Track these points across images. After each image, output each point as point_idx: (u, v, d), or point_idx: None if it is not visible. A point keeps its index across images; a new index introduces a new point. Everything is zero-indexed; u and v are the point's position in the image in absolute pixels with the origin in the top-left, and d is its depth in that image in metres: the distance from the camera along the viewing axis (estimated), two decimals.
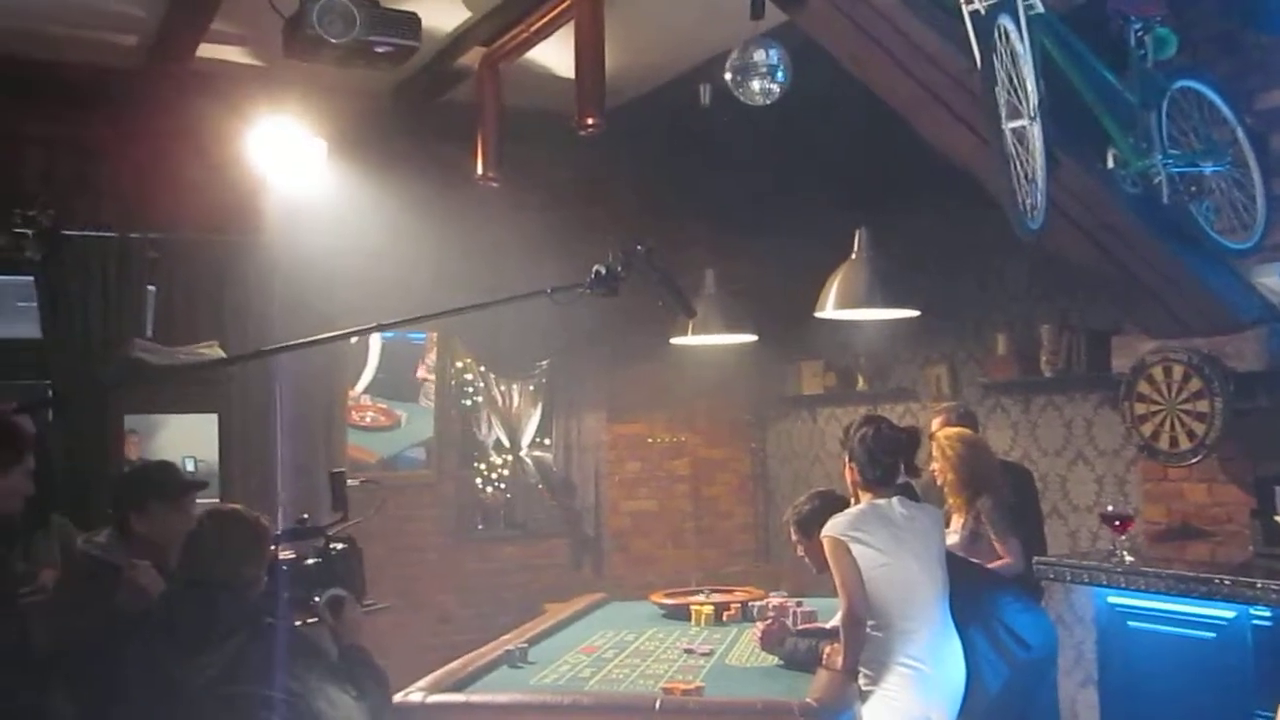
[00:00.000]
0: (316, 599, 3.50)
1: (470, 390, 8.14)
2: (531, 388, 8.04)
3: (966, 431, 5.13)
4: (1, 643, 3.39)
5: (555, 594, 7.34)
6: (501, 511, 8.16)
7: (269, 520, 3.53)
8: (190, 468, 6.80)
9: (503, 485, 8.17)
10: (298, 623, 3.47)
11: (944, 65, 4.38)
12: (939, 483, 4.95)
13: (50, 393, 6.52)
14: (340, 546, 3.67)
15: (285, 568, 3.53)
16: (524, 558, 8.00)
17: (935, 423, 5.49)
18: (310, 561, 3.60)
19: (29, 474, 3.59)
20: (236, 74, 6.75)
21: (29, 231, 6.31)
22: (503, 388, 8.00)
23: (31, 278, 6.55)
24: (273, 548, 3.51)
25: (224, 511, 3.55)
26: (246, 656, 3.18)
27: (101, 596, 3.60)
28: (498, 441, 8.13)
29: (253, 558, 3.37)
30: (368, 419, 7.94)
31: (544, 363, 7.91)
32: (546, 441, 8.20)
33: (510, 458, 8.12)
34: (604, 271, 3.53)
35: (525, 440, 8.06)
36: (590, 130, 5.38)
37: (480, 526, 8.07)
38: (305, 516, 3.93)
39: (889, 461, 4.21)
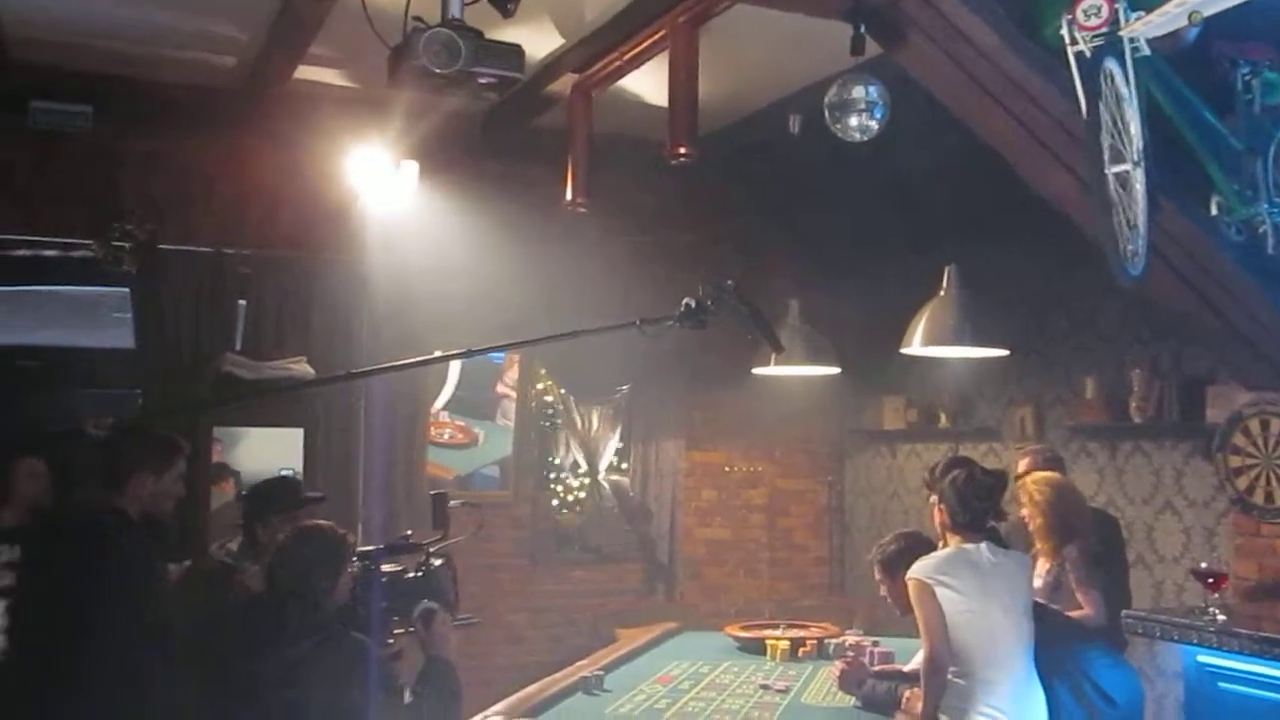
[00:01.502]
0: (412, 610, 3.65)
1: (550, 412, 8.17)
2: (611, 412, 8.04)
3: (1059, 476, 5.03)
4: (150, 624, 3.77)
5: (627, 619, 7.34)
6: (576, 534, 8.17)
7: (352, 536, 3.67)
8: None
9: (578, 508, 8.18)
10: (397, 631, 3.65)
11: (1045, 105, 4.34)
12: (1029, 528, 4.87)
13: (140, 402, 6.66)
14: (437, 563, 3.80)
15: (385, 579, 3.68)
16: (597, 581, 7.99)
17: (1022, 464, 5.40)
18: (409, 575, 3.74)
19: (181, 479, 4.04)
20: (331, 96, 6.86)
21: (126, 245, 6.48)
22: (582, 410, 8.01)
23: (127, 290, 6.72)
24: (353, 561, 3.63)
25: (308, 526, 3.68)
26: (309, 662, 3.32)
27: (216, 593, 4.01)
28: (575, 464, 8.15)
29: (328, 570, 3.49)
30: (446, 436, 7.99)
31: (624, 387, 7.92)
32: (624, 466, 8.20)
33: (587, 481, 8.13)
34: (693, 305, 3.54)
35: (603, 464, 8.07)
36: (682, 159, 5.38)
37: (554, 548, 8.07)
38: (409, 533, 4.09)
39: (979, 506, 4.15)
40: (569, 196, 6.34)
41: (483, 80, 3.73)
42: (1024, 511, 4.75)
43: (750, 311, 3.62)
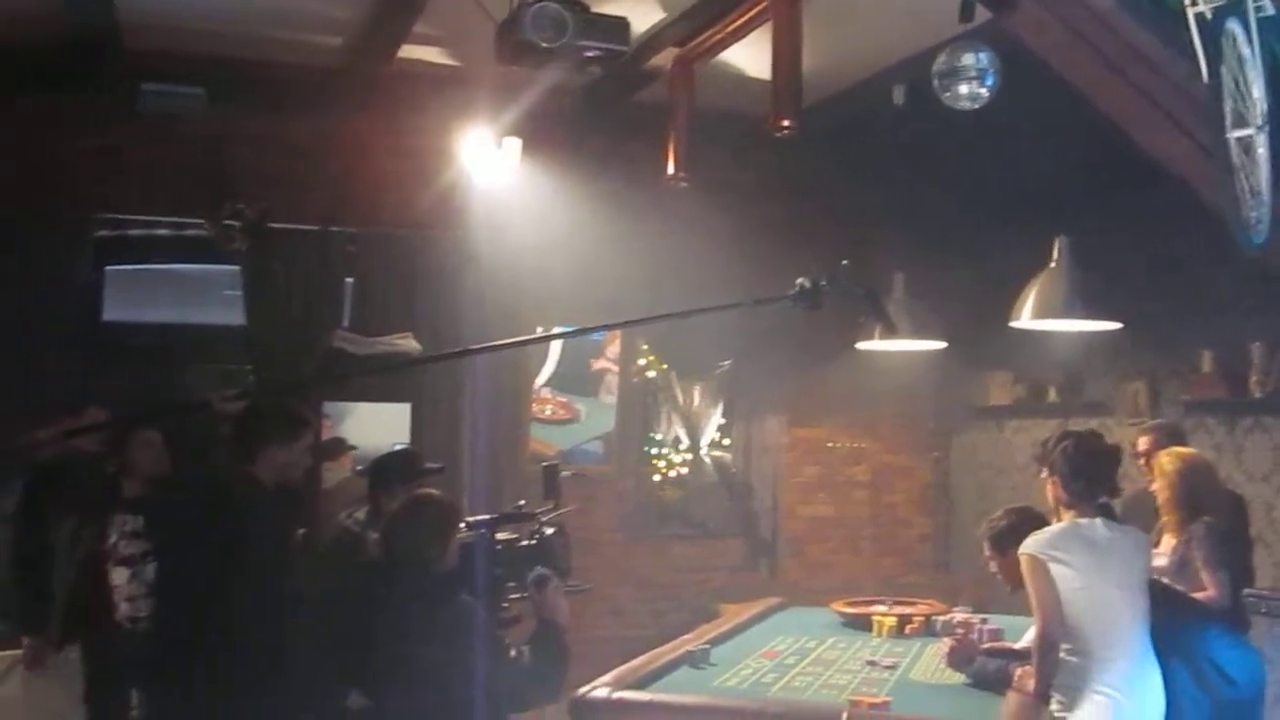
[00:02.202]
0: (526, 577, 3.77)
1: (652, 387, 8.18)
2: (713, 387, 8.03)
3: (1194, 451, 4.90)
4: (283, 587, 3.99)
5: (728, 595, 7.33)
6: (678, 510, 8.18)
7: (461, 505, 3.92)
8: None
9: (680, 484, 8.19)
10: (513, 597, 3.79)
11: (1163, 70, 4.21)
12: (1158, 500, 4.73)
13: (251, 377, 6.81)
14: (549, 531, 3.91)
15: (499, 547, 3.82)
16: (699, 557, 8.00)
17: (1143, 440, 5.27)
18: (523, 543, 3.86)
19: (309, 450, 4.25)
20: (435, 74, 6.91)
21: (237, 224, 6.62)
22: (684, 386, 8.02)
23: (238, 267, 6.87)
24: (463, 529, 3.77)
25: (420, 495, 3.87)
26: (419, 623, 3.49)
27: (338, 559, 4.41)
28: (677, 439, 8.15)
29: (438, 537, 3.65)
30: (548, 412, 8.04)
31: (725, 363, 7.90)
32: (726, 442, 8.19)
33: (689, 456, 8.13)
34: (808, 285, 3.53)
35: (705, 439, 8.07)
36: (785, 132, 5.34)
37: (656, 524, 8.09)
38: (523, 503, 4.24)
39: (1093, 474, 4.04)
40: (670, 171, 6.33)
41: (589, 54, 3.76)
42: (1154, 485, 4.61)
43: (864, 294, 3.60)
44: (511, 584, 3.78)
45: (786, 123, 5.32)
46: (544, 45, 3.62)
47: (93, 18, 5.92)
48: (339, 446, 6.00)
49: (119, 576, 4.86)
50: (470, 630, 3.47)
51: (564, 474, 4.22)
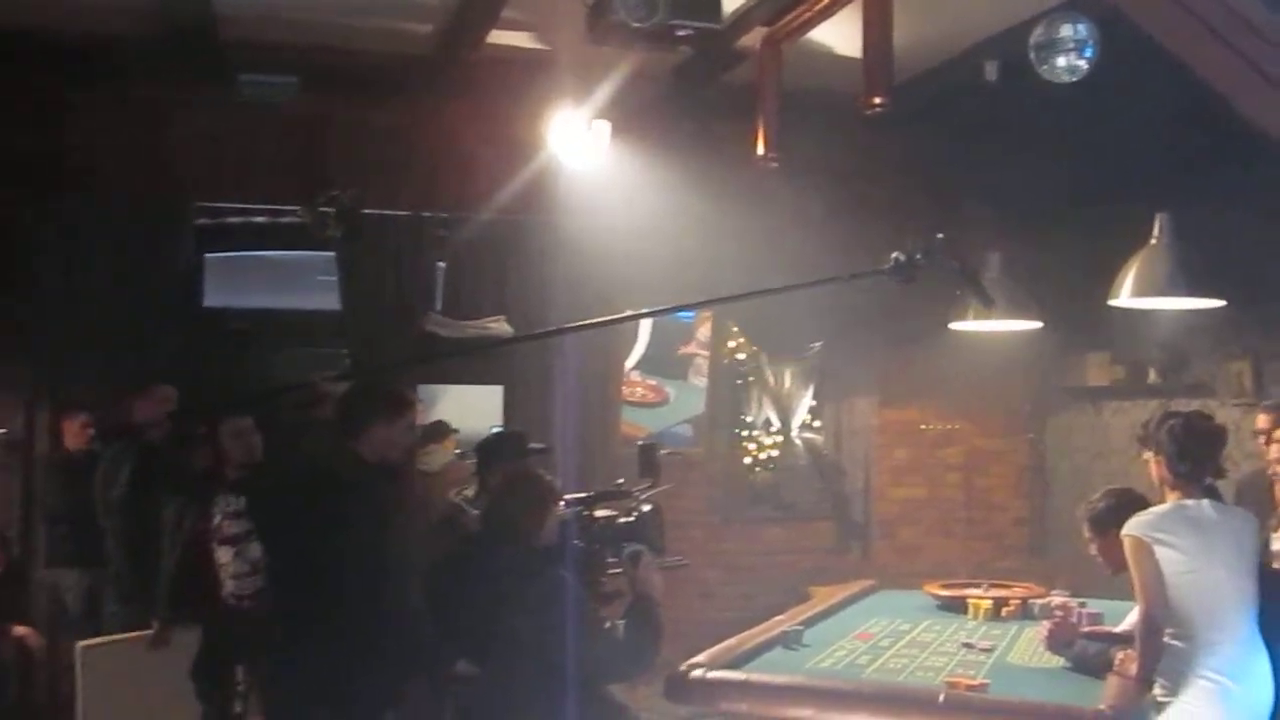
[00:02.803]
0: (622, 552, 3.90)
1: (742, 369, 8.15)
2: (803, 369, 7.99)
3: None
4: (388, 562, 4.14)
5: (819, 577, 7.29)
6: (768, 492, 8.15)
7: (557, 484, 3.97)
8: None
9: (771, 466, 8.16)
10: (612, 572, 3.91)
11: (1269, 36, 4.08)
12: (1275, 482, 4.60)
13: (347, 361, 6.92)
14: (647, 509, 4.01)
15: (598, 524, 3.96)
16: (789, 539, 7.98)
17: (1263, 418, 5.13)
18: (621, 520, 3.99)
19: (410, 429, 4.40)
20: (524, 59, 6.93)
21: (331, 210, 6.72)
22: (775, 368, 7.98)
23: (333, 253, 6.98)
24: (561, 507, 3.89)
25: (519, 473, 4.10)
26: (515, 595, 3.63)
27: (442, 534, 4.68)
28: (767, 421, 8.12)
29: (535, 513, 3.80)
30: (637, 395, 8.06)
31: (816, 344, 7.85)
32: (817, 424, 8.14)
33: (780, 438, 8.10)
34: (902, 259, 3.49)
35: (796, 421, 8.04)
36: (877, 110, 5.27)
37: (747, 506, 8.08)
38: (620, 481, 4.34)
39: (1200, 454, 3.94)
40: (759, 151, 6.28)
41: (680, 33, 3.74)
42: (1275, 468, 4.48)
43: (960, 267, 3.56)
44: (611, 560, 3.87)
45: (878, 100, 5.26)
46: (635, 25, 3.62)
47: (190, 8, 6.04)
48: (442, 429, 6.09)
49: (224, 555, 4.98)
50: (564, 603, 3.57)
51: (662, 452, 4.24)
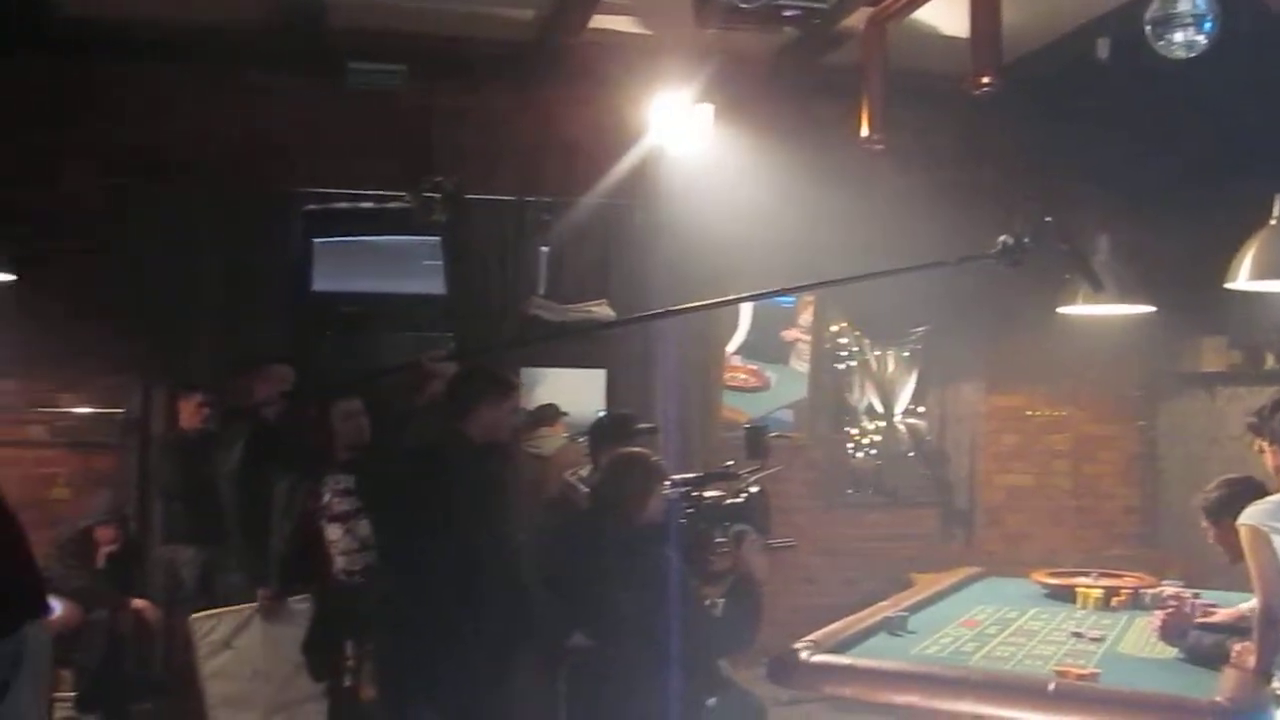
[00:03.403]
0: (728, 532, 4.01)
1: (844, 354, 8.08)
2: (907, 353, 7.90)
3: None
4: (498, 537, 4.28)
5: (923, 564, 7.21)
6: (871, 478, 8.08)
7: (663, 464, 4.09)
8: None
9: (874, 451, 8.09)
10: (719, 551, 4.01)
11: None
12: None
13: (452, 345, 7.00)
14: (754, 490, 4.12)
15: (706, 504, 4.06)
16: (892, 525, 7.90)
17: None
18: (728, 501, 4.08)
19: (515, 410, 4.59)
20: (626, 43, 6.96)
21: (437, 196, 6.81)
22: (878, 352, 7.91)
23: (438, 239, 7.07)
24: (668, 487, 4.01)
25: (626, 453, 4.17)
26: (618, 570, 3.79)
27: (559, 510, 4.83)
28: (870, 407, 8.05)
29: (640, 492, 3.93)
30: (738, 379, 8.03)
31: (921, 329, 7.76)
32: (920, 409, 8.04)
33: (883, 424, 8.02)
34: (1010, 242, 3.45)
35: (899, 407, 7.95)
36: (985, 90, 5.18)
37: (850, 492, 8.02)
38: (730, 463, 4.47)
39: None
40: (864, 134, 6.21)
41: (786, 14, 3.71)
42: None
43: (1070, 250, 3.51)
44: (718, 540, 3.96)
45: (986, 80, 5.17)
46: (742, 5, 3.60)
47: None
48: (552, 413, 6.16)
49: (333, 532, 5.09)
50: (666, 579, 3.69)
51: (771, 435, 4.28)
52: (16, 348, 6.74)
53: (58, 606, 4.29)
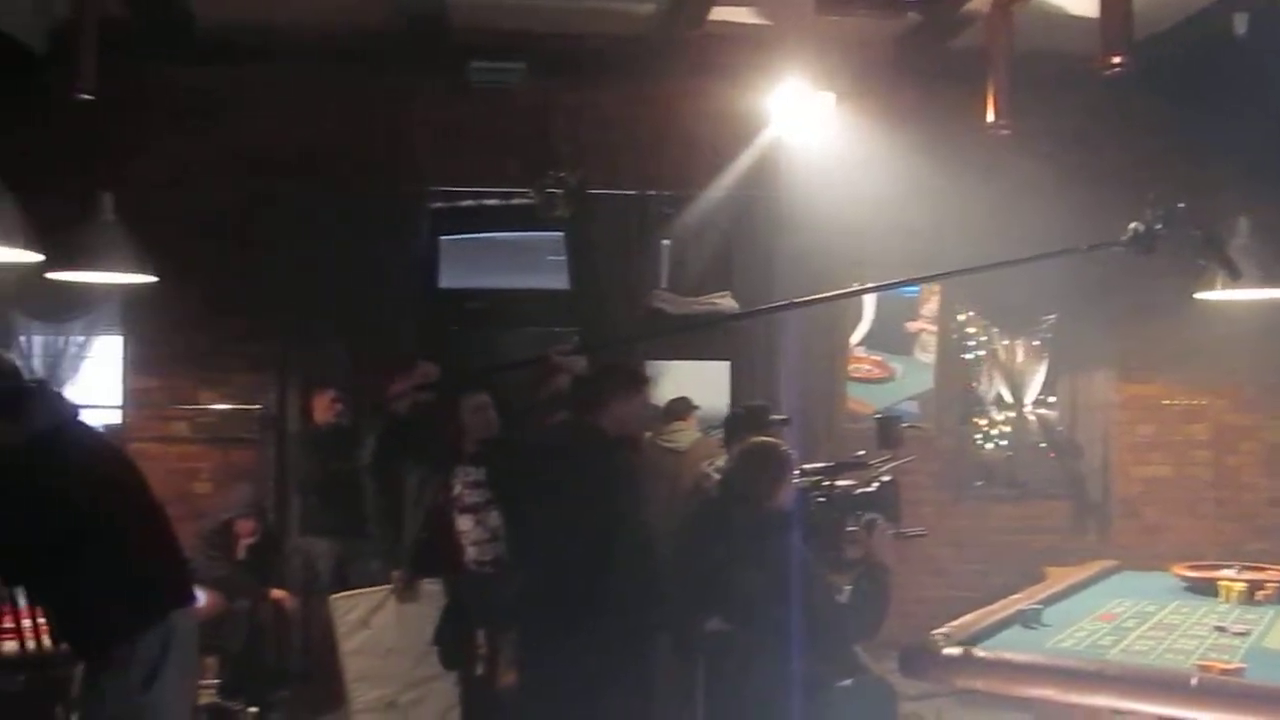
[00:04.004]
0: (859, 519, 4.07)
1: (972, 344, 7.95)
2: (1037, 342, 7.74)
3: None
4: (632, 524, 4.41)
5: (1054, 557, 7.05)
6: (1001, 469, 7.93)
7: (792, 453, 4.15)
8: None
9: (1004, 442, 7.94)
10: (852, 540, 4.06)
11: None
12: None
13: (577, 339, 7.07)
14: (886, 480, 4.19)
15: (837, 493, 4.14)
16: (1023, 518, 7.74)
17: None
18: (859, 491, 4.16)
19: (647, 404, 4.67)
20: (746, 34, 6.94)
21: (559, 191, 6.87)
22: (1006, 341, 7.76)
23: (561, 234, 7.14)
24: (798, 476, 4.10)
25: (755, 442, 4.24)
26: (745, 555, 3.87)
27: (694, 497, 5.00)
28: (999, 397, 7.91)
29: (768, 480, 4.00)
30: (862, 370, 7.95)
31: (1050, 317, 7.59)
32: (1051, 399, 7.87)
33: (1012, 414, 7.88)
34: (1141, 229, 3.38)
35: (1029, 397, 7.80)
36: (1116, 70, 5.04)
37: (979, 483, 7.88)
38: (861, 453, 4.53)
39: None
40: (989, 119, 6.10)
41: None
42: None
43: (1204, 236, 3.42)
44: (851, 528, 4.00)
45: (1117, 60, 5.03)
46: None
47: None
48: (685, 406, 6.18)
49: (464, 523, 5.17)
50: (793, 565, 3.76)
51: (903, 425, 4.47)
52: (159, 347, 7.03)
53: (202, 596, 4.42)
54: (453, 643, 5.30)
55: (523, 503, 4.35)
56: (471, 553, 5.16)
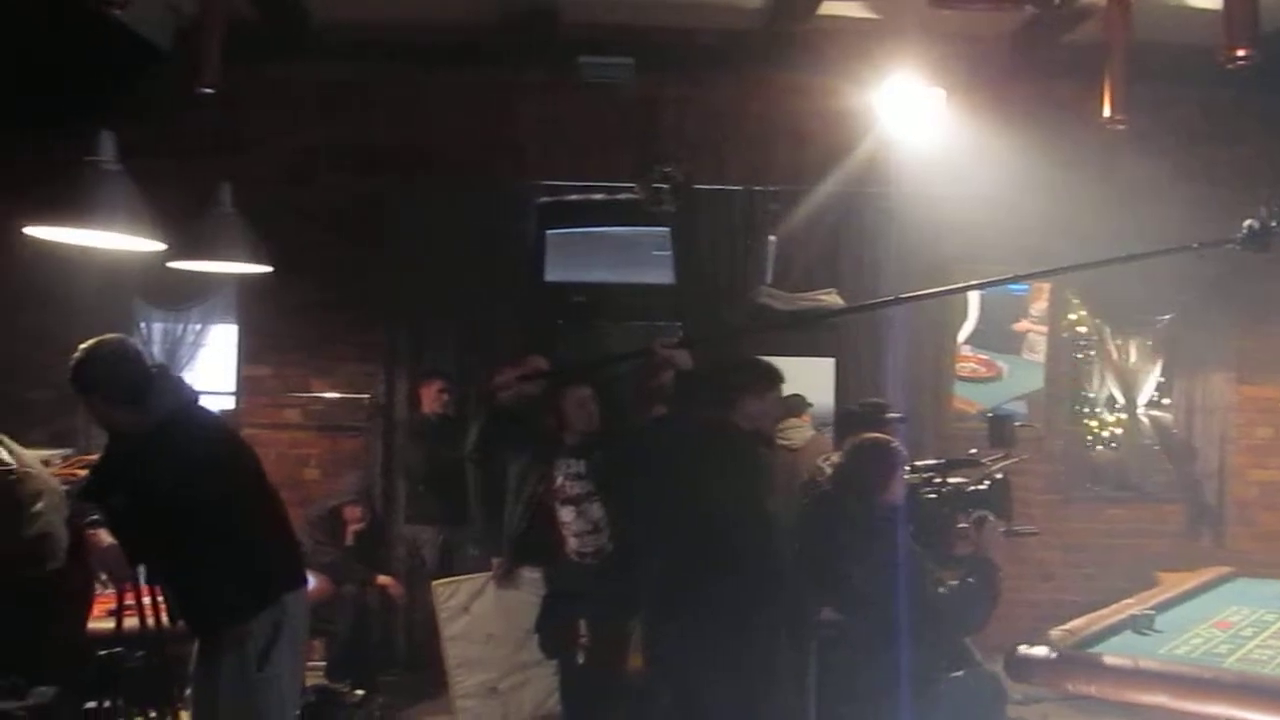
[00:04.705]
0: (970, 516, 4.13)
1: (1083, 343, 7.80)
2: (1150, 342, 7.55)
3: None
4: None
5: (1167, 562, 6.91)
6: (1112, 471, 7.77)
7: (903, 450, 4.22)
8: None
9: (1115, 444, 7.77)
10: (962, 536, 4.12)
11: None
12: None
13: (681, 334, 7.08)
14: (997, 478, 4.23)
15: (948, 490, 4.21)
16: (1135, 521, 7.56)
17: None
18: (972, 488, 4.22)
19: (779, 401, 4.79)
20: (854, 28, 6.88)
21: (666, 187, 6.88)
22: (1119, 341, 7.59)
23: (667, 229, 7.15)
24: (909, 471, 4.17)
25: (867, 438, 4.30)
26: (856, 547, 3.98)
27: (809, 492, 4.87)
28: (1110, 398, 7.74)
29: (879, 475, 4.10)
30: (968, 369, 7.84)
31: (1165, 316, 7.41)
32: (1165, 401, 7.68)
33: (1124, 416, 7.71)
34: (1256, 226, 3.30)
35: (1142, 398, 7.61)
36: (1240, 64, 4.89)
37: (1089, 485, 7.72)
38: (974, 451, 4.59)
39: None
40: (1105, 114, 5.97)
41: None
42: None
43: None
44: (962, 525, 4.04)
45: (1241, 53, 4.87)
46: None
47: None
48: (799, 403, 6.17)
49: (566, 514, 5.21)
50: (901, 558, 3.84)
51: (1018, 424, 4.39)
52: (274, 336, 7.19)
53: (311, 580, 4.52)
54: (553, 631, 5.35)
55: (665, 493, 4.39)
56: (573, 543, 5.21)
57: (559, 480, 5.28)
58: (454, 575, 6.16)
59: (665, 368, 4.48)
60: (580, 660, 5.31)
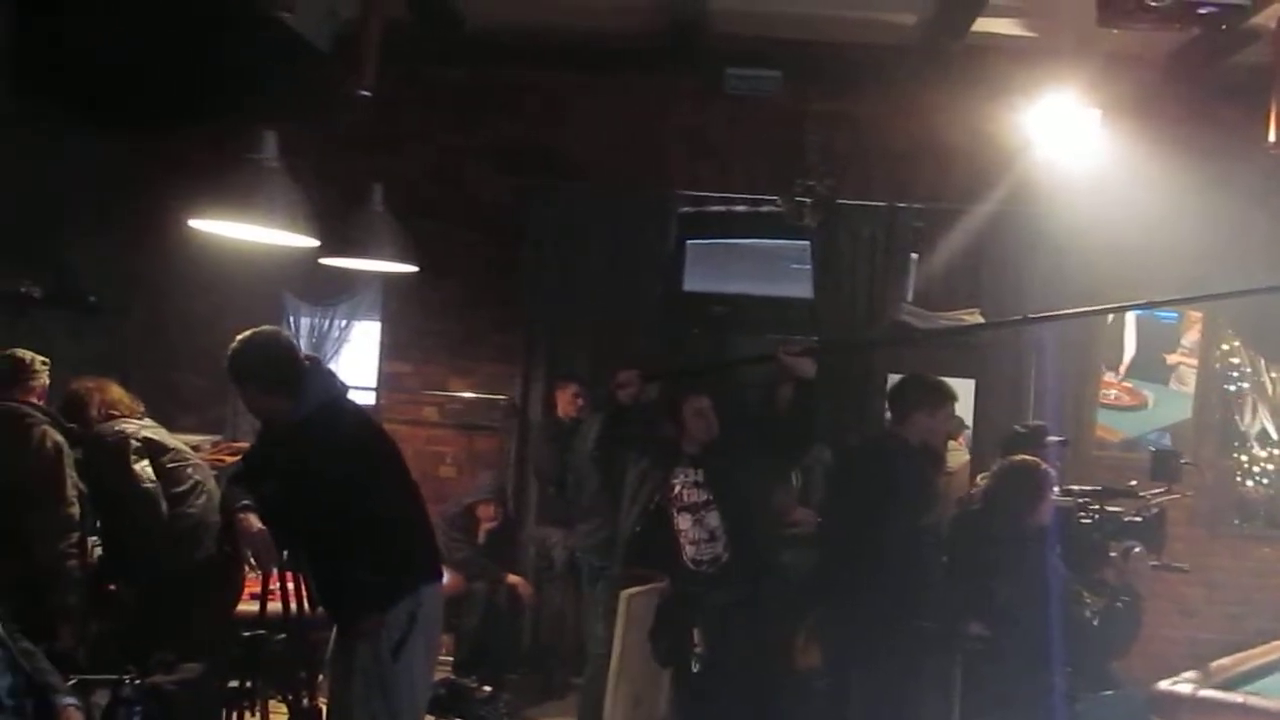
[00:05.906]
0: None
1: (1235, 374, 7.53)
2: None
3: None
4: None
5: None
6: (1263, 508, 7.47)
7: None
8: None
9: (1266, 480, 7.48)
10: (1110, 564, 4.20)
11: None
12: None
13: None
14: (1154, 511, 4.32)
15: (1107, 517, 4.31)
16: None
17: None
18: (1128, 518, 4.33)
19: (950, 418, 4.89)
20: (1009, 47, 6.77)
21: (808, 200, 6.86)
22: (1274, 374, 7.31)
23: (807, 242, 7.12)
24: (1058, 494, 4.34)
25: (1015, 460, 4.49)
26: (995, 564, 4.13)
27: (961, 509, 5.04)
28: (1263, 432, 7.46)
29: (1026, 496, 4.24)
30: (1112, 396, 7.63)
31: None
32: None
33: (1277, 451, 7.41)
34: None
35: None
36: None
37: (1236, 522, 7.44)
38: (1134, 482, 4.75)
39: None
40: (1270, 139, 5.76)
41: (1202, 11, 3.48)
42: None
43: None
44: (1112, 554, 4.12)
45: None
46: (1153, 4, 3.41)
47: (688, 5, 6.37)
48: (957, 425, 6.10)
49: (683, 522, 5.18)
50: (1045, 579, 3.96)
51: (1183, 460, 4.74)
52: (416, 334, 7.34)
53: (445, 575, 4.59)
54: (668, 640, 5.32)
55: (836, 505, 4.61)
56: (689, 551, 5.19)
57: (677, 488, 5.27)
58: (580, 576, 6.18)
59: (789, 375, 4.52)
60: (695, 669, 5.28)
